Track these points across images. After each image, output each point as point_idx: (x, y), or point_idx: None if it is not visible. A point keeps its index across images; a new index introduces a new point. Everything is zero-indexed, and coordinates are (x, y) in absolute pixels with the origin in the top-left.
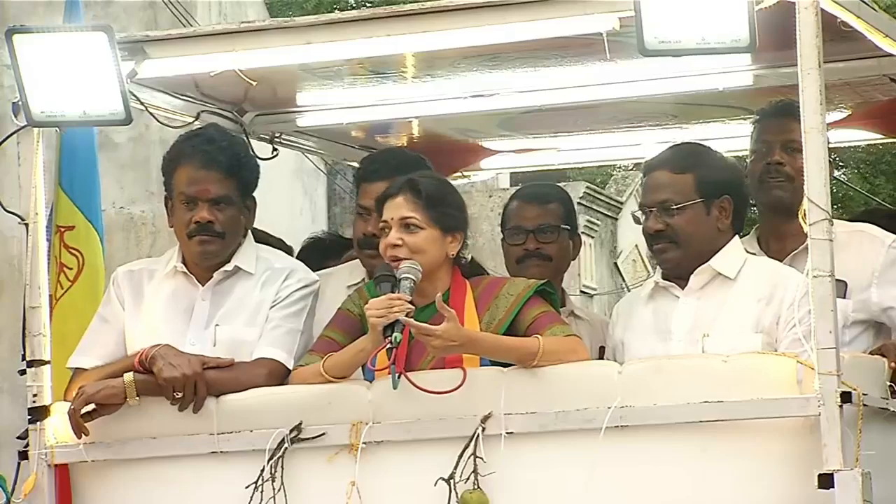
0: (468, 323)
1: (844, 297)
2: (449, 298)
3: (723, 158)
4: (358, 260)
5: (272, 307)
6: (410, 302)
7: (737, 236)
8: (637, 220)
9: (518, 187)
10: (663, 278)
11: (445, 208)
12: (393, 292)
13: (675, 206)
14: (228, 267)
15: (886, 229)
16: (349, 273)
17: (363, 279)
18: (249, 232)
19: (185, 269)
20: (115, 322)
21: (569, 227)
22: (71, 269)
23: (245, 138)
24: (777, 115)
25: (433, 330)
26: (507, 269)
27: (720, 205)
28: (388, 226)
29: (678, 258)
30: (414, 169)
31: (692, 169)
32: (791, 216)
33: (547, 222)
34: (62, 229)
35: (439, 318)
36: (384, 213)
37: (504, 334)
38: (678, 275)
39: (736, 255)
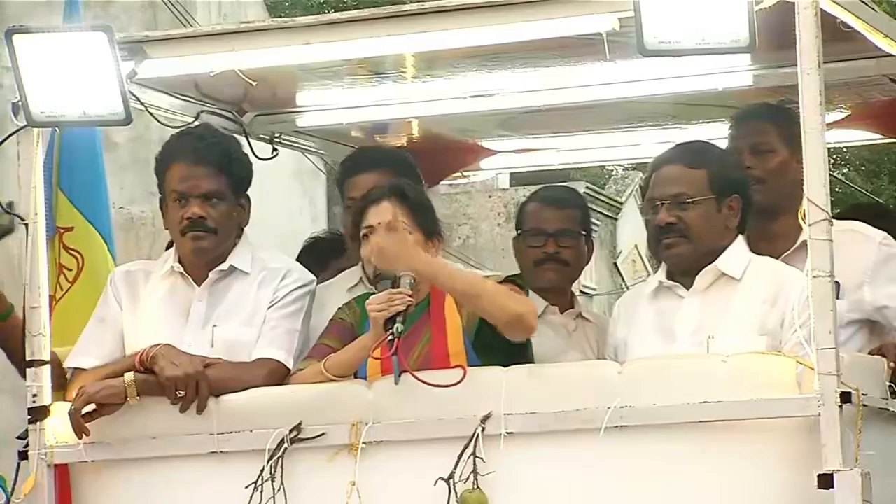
0: (450, 322)
1: (838, 297)
2: (430, 302)
3: (733, 157)
4: (351, 269)
5: (270, 307)
6: (410, 296)
7: (741, 237)
8: (646, 214)
9: (539, 187)
10: (667, 278)
11: (428, 213)
12: (393, 289)
13: (688, 200)
14: (224, 267)
15: (876, 227)
16: (346, 279)
17: (360, 279)
18: (245, 232)
19: (182, 270)
20: (113, 322)
21: (586, 233)
22: (70, 270)
23: (244, 138)
24: (744, 119)
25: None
26: (521, 269)
27: (730, 203)
28: (372, 230)
29: (686, 253)
30: (398, 161)
31: (705, 165)
32: (774, 216)
33: (568, 227)
34: (61, 230)
35: (426, 320)
36: (368, 219)
37: (479, 326)
38: (682, 271)
39: (741, 255)
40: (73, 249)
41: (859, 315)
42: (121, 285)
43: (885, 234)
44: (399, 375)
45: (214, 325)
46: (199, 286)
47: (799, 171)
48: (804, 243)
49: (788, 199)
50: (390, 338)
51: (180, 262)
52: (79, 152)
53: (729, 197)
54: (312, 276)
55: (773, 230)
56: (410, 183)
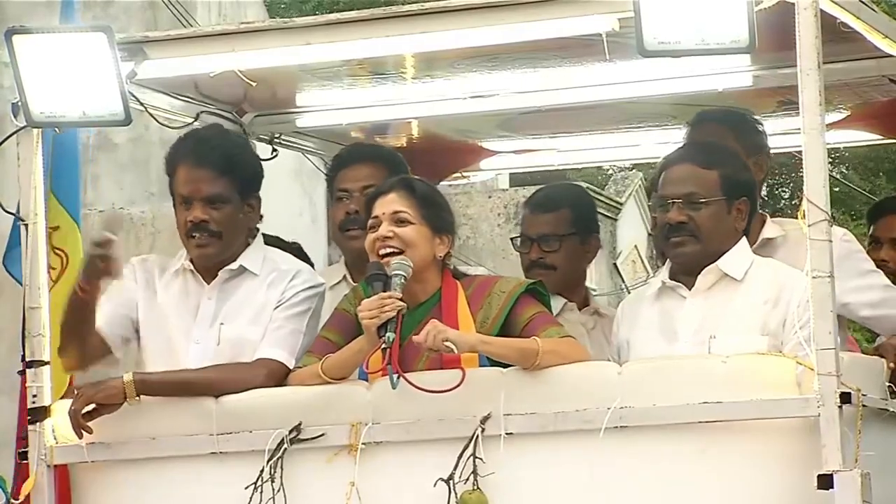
0: (462, 322)
1: None
2: (441, 298)
3: (741, 160)
4: (334, 266)
5: (276, 308)
6: (401, 299)
7: (744, 238)
8: (654, 211)
9: (536, 189)
10: (670, 277)
11: (437, 209)
12: (384, 290)
13: (701, 200)
14: (233, 266)
15: None
16: (328, 276)
17: (344, 276)
18: (259, 233)
19: (192, 268)
20: (127, 293)
21: (576, 232)
22: (55, 268)
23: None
24: (696, 124)
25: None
26: (524, 274)
27: (738, 206)
28: (378, 221)
29: (695, 253)
30: (389, 157)
31: (718, 166)
32: None
33: (548, 231)
34: (49, 230)
35: (437, 318)
36: (375, 210)
37: (498, 333)
38: (687, 271)
39: (743, 256)
40: (58, 249)
41: None
42: (139, 270)
43: (845, 230)
44: (397, 380)
45: (222, 324)
46: (208, 285)
47: (755, 171)
48: (765, 240)
49: None
50: (383, 346)
51: (191, 260)
52: (63, 150)
53: (738, 199)
54: (322, 279)
55: None
56: (423, 179)
